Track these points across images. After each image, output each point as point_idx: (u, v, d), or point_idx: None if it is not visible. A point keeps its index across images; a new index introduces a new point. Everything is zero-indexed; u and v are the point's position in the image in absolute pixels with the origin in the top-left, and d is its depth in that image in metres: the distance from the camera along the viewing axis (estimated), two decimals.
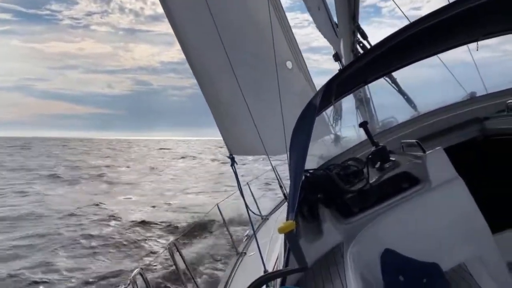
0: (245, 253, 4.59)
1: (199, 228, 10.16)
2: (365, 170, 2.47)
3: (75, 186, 21.40)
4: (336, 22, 5.46)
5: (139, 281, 2.96)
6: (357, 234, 1.99)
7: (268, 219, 5.73)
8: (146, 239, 10.85)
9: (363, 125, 2.71)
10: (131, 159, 44.05)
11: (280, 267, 1.99)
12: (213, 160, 41.56)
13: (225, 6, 4.36)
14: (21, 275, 8.36)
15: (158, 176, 27.17)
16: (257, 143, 3.38)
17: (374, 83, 3.46)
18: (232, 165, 3.55)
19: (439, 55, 3.36)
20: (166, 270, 7.97)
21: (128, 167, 33.89)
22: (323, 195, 2.37)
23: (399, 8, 4.88)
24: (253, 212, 5.46)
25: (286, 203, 3.05)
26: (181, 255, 3.85)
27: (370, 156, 2.59)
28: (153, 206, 15.37)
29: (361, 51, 5.17)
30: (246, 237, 5.21)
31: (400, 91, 5.10)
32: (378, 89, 5.31)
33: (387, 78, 4.93)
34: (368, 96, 5.49)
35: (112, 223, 12.54)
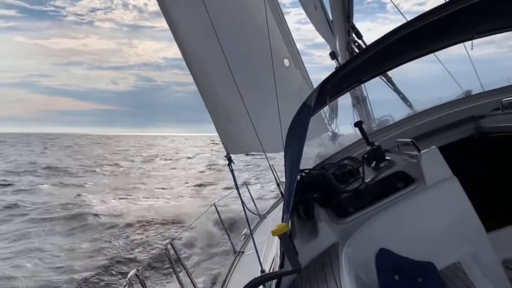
0: (242, 252, 4.60)
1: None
2: (360, 169, 2.47)
3: None
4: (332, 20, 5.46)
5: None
6: (352, 234, 1.99)
7: (265, 217, 5.74)
8: None
9: (358, 124, 2.71)
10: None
11: (276, 267, 1.99)
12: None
13: (221, 2, 4.34)
14: None
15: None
16: (254, 140, 3.37)
17: (370, 82, 3.46)
18: (229, 164, 3.54)
19: (435, 53, 3.37)
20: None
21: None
22: (318, 195, 2.37)
23: (396, 6, 4.90)
24: (250, 211, 5.48)
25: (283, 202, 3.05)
26: (177, 254, 3.85)
27: (365, 156, 2.59)
28: None
29: (357, 50, 5.18)
30: (244, 236, 5.22)
31: (396, 89, 5.11)
32: (374, 88, 5.32)
33: (382, 77, 4.93)
34: (365, 94, 5.50)
35: None
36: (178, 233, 10.05)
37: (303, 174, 2.45)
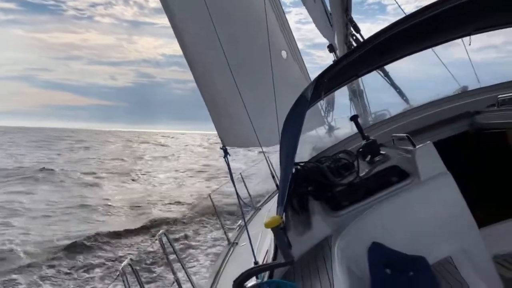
0: (236, 243, 4.61)
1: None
2: (355, 163, 2.48)
3: None
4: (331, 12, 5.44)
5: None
6: (346, 227, 2.00)
7: (260, 209, 5.76)
8: None
9: (354, 118, 2.71)
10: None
11: (270, 259, 2.00)
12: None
13: None
14: None
15: None
16: (251, 133, 3.37)
17: (367, 76, 3.46)
18: (225, 156, 3.54)
19: (433, 48, 3.37)
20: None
21: None
22: (313, 188, 2.38)
23: (400, 7, 4.90)
24: (245, 203, 5.49)
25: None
26: (171, 244, 3.86)
27: (360, 150, 2.59)
28: None
29: (355, 44, 5.17)
30: (238, 227, 5.24)
31: (393, 84, 5.11)
32: (371, 82, 5.31)
33: (379, 71, 4.93)
34: (362, 88, 5.50)
35: None
36: (172, 226, 10.07)
37: (298, 167, 2.45)
